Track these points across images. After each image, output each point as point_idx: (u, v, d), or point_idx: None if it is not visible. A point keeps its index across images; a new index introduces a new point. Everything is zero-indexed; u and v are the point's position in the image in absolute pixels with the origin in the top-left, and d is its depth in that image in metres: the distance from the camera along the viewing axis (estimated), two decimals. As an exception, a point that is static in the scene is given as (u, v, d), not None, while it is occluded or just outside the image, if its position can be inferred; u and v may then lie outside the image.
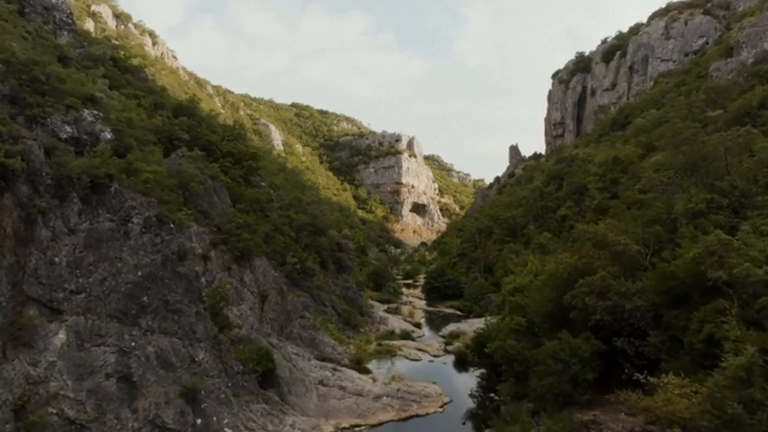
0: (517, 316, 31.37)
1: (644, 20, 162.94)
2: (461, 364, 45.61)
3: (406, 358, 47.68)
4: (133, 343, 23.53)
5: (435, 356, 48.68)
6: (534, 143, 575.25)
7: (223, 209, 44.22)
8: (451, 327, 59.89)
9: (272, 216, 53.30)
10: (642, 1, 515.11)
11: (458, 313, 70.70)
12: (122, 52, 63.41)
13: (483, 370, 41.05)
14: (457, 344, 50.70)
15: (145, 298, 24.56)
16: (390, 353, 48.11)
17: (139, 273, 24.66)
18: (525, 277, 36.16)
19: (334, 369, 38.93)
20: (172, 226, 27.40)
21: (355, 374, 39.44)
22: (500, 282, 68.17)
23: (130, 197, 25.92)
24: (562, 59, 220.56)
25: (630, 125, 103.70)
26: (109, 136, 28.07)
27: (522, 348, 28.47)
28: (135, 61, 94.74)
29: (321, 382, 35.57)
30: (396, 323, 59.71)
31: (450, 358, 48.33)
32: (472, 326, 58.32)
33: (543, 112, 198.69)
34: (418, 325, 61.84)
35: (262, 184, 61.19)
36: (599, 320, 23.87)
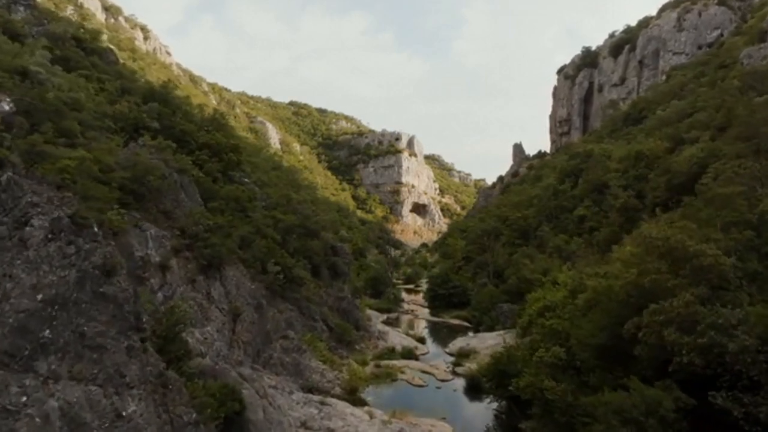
0: (554, 345, 24.34)
1: (652, 14, 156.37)
2: (474, 391, 38.57)
3: (409, 383, 40.64)
4: (24, 398, 16.49)
5: (443, 381, 41.59)
6: (535, 143, 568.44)
7: (192, 208, 37.20)
8: (459, 342, 52.84)
9: (254, 216, 46.29)
10: (641, 1, 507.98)
11: (465, 324, 63.64)
12: (87, 33, 56.34)
13: (501, 400, 34.16)
14: (467, 365, 43.68)
15: (48, 332, 17.52)
16: (390, 377, 41.11)
17: (40, 296, 17.62)
18: (556, 293, 29.15)
19: (322, 403, 31.88)
20: (95, 230, 20.36)
21: (347, 408, 32.41)
22: (511, 286, 61.45)
23: (31, 191, 18.91)
24: (561, 59, 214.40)
25: (646, 119, 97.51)
26: (7, 108, 21.03)
27: (564, 392, 21.45)
28: (125, 48, 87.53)
29: (304, 424, 28.54)
30: (397, 338, 52.64)
31: (460, 383, 41.29)
32: (483, 342, 51.39)
33: (545, 110, 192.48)
34: (421, 340, 54.75)
35: (245, 180, 54.19)
36: (687, 364, 16.87)
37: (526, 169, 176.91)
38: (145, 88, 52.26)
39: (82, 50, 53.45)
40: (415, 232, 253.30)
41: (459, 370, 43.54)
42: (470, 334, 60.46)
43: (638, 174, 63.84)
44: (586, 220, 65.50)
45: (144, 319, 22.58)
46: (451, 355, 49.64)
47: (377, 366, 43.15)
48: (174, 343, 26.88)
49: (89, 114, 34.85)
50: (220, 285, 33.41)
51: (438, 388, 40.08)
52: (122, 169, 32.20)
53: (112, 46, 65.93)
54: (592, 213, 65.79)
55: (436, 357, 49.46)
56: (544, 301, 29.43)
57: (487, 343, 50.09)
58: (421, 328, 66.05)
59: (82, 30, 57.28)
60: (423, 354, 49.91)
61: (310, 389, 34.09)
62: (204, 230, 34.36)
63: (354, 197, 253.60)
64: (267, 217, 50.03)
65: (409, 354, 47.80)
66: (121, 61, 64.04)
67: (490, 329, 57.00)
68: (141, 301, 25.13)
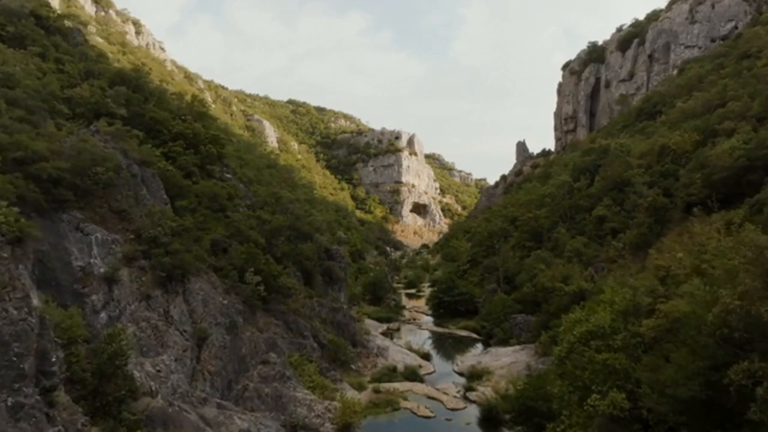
0: (611, 389, 18.24)
1: (661, 7, 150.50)
2: (491, 424, 32.45)
3: (414, 413, 34.46)
4: None
5: (453, 410, 35.41)
6: (537, 141, 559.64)
7: (154, 207, 31.07)
8: (470, 359, 46.71)
9: (234, 217, 40.17)
10: (638, 2, 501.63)
11: (474, 336, 57.46)
12: (51, 11, 50.19)
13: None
14: (481, 389, 37.59)
15: None
16: (391, 405, 34.94)
17: None
18: (603, 315, 22.93)
19: (308, 447, 25.82)
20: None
21: (339, 453, 26.38)
22: (525, 295, 55.14)
23: None
24: (559, 58, 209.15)
25: (660, 114, 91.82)
26: None
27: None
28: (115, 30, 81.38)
29: (282, 482, 22.46)
30: (398, 355, 46.46)
31: (473, 411, 35.05)
32: (497, 359, 45.33)
33: (545, 109, 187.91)
34: (426, 356, 48.51)
35: (228, 175, 48.08)
36: None
37: (531, 167, 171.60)
38: (113, 72, 46.11)
39: (44, 29, 47.45)
40: (415, 233, 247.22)
41: (471, 395, 37.38)
42: (479, 346, 54.49)
43: (664, 170, 57.86)
44: (606, 220, 59.38)
45: (54, 358, 16.46)
46: (460, 374, 43.54)
47: (376, 391, 37.05)
48: (114, 381, 20.86)
49: (25, 92, 28.82)
50: (183, 301, 27.30)
51: (448, 419, 33.89)
52: (62, 159, 26.11)
53: (80, 27, 59.86)
54: (613, 213, 59.70)
55: (444, 377, 43.30)
56: (587, 324, 23.22)
57: (502, 360, 44.06)
58: (425, 338, 59.81)
59: (46, 8, 51.15)
60: (428, 373, 43.74)
61: (294, 427, 27.97)
62: (164, 233, 28.24)
63: (353, 197, 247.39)
64: (251, 217, 43.96)
65: (412, 374, 41.65)
66: (88, 40, 57.75)
67: (503, 343, 50.92)
68: (64, 329, 19.12)
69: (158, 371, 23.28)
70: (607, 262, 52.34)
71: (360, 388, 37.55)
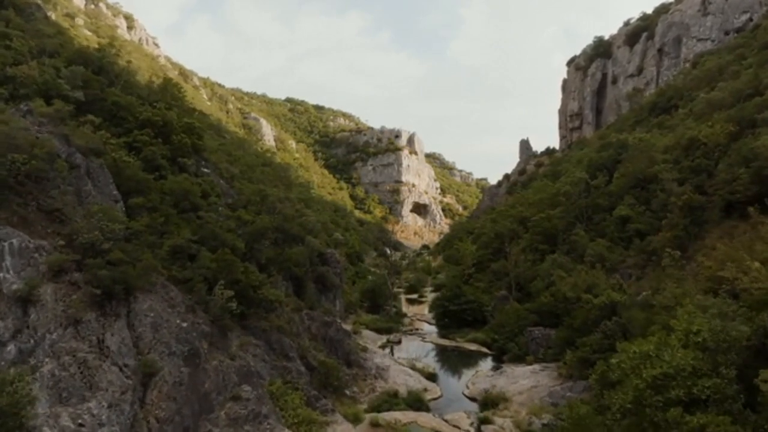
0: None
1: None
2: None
3: (419, 454, 28.66)
4: None
5: (467, 449, 29.57)
6: (537, 142, 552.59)
7: (99, 206, 25.10)
8: (482, 381, 40.69)
9: (207, 218, 34.20)
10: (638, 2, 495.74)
11: (484, 350, 51.50)
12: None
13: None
14: (499, 422, 31.70)
15: None
16: (392, 444, 29.13)
17: None
18: (680, 357, 16.70)
19: None
20: None
21: None
22: (542, 305, 49.02)
23: None
24: (559, 58, 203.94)
25: (674, 108, 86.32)
26: None
27: None
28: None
29: None
30: (400, 376, 40.47)
31: (490, 450, 29.29)
32: (513, 381, 39.40)
33: (546, 109, 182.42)
34: (431, 377, 42.58)
35: (205, 170, 42.13)
36: None
37: (535, 166, 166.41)
38: (72, 51, 40.21)
39: (-4, 3, 41.59)
40: (415, 233, 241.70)
41: (488, 429, 31.43)
42: (489, 362, 48.62)
43: (694, 165, 51.95)
44: (630, 221, 53.53)
45: None
46: (472, 399, 37.64)
47: (374, 424, 31.08)
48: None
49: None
50: (125, 326, 21.30)
51: (462, 464, 28.06)
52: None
53: (40, 2, 53.83)
54: (637, 213, 53.87)
55: (453, 403, 37.34)
56: (661, 364, 16.98)
57: (520, 383, 38.13)
58: (428, 351, 53.88)
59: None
60: (435, 398, 37.80)
61: (269, 484, 22.08)
62: (106, 238, 22.27)
63: (352, 196, 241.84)
64: (230, 218, 38.03)
65: (417, 401, 35.70)
66: (48, 16, 51.73)
67: (518, 359, 45.08)
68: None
69: (80, 425, 17.36)
70: (635, 268, 46.65)
71: (355, 420, 31.65)
